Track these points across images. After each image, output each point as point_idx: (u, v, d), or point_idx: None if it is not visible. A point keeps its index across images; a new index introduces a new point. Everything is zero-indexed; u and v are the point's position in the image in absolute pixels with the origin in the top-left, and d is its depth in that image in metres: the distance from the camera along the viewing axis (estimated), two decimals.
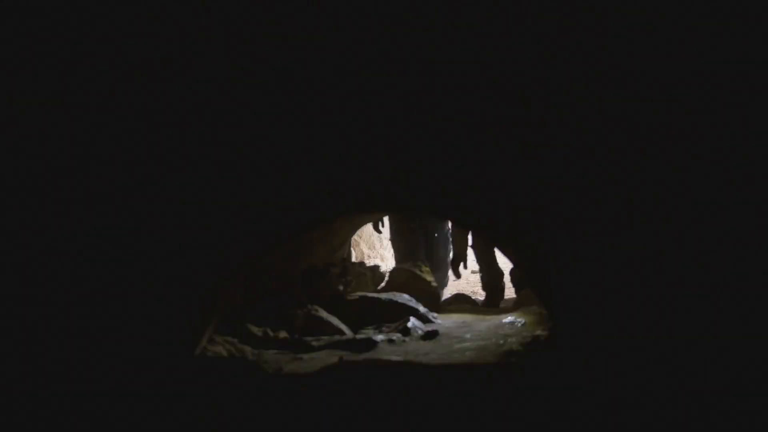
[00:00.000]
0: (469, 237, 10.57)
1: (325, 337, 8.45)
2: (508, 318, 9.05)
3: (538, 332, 7.71)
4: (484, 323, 9.26)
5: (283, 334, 8.24)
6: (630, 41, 3.53)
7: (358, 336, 8.58)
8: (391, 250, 15.42)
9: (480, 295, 11.83)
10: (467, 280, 14.44)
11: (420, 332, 8.87)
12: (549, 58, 3.75)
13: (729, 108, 3.46)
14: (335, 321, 9.22)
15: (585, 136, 3.98)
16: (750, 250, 3.53)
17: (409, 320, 9.35)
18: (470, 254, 11.00)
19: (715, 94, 3.49)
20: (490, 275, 10.64)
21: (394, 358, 7.07)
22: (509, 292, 10.99)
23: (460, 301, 10.84)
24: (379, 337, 8.48)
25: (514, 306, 9.86)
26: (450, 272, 11.60)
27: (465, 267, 11.41)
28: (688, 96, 3.57)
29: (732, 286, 3.61)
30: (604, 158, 4.02)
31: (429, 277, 10.69)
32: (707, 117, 3.53)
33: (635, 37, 3.51)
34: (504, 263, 10.60)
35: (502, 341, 7.64)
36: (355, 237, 14.09)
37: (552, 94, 3.92)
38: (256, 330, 8.15)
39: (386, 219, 12.36)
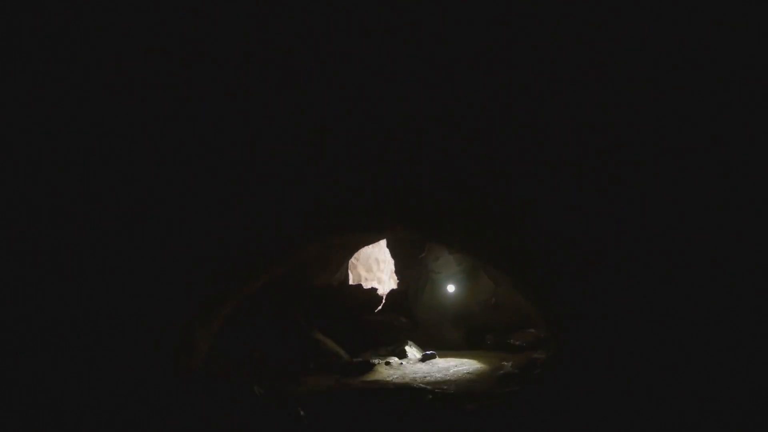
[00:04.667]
0: None
1: (323, 360, 8.44)
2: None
3: (535, 355, 7.72)
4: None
5: (282, 356, 8.23)
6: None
7: (355, 359, 8.57)
8: (389, 272, 15.43)
9: None
10: None
11: (417, 355, 8.86)
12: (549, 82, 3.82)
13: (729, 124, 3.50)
14: (332, 344, 9.21)
15: (591, 166, 4.00)
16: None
17: (406, 343, 9.35)
18: None
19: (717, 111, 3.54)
20: None
21: (392, 379, 7.07)
22: None
23: None
24: (376, 360, 8.48)
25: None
26: None
27: None
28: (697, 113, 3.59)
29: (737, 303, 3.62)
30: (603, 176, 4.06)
31: None
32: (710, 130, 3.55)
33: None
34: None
35: (499, 364, 7.65)
36: (352, 260, 14.09)
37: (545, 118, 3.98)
38: (253, 352, 8.13)
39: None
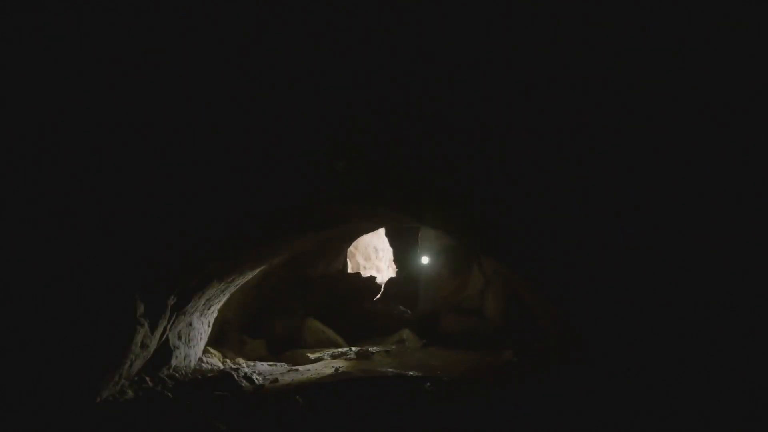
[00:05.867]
0: None
1: (321, 349, 8.47)
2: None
3: (535, 343, 7.74)
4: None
5: (279, 346, 8.25)
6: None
7: (354, 348, 8.60)
8: (387, 261, 15.46)
9: None
10: None
11: (415, 344, 8.89)
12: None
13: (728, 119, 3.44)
14: (331, 333, 9.23)
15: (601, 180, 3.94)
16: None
17: (404, 331, 9.37)
18: None
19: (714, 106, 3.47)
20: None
21: (390, 368, 7.08)
22: None
23: None
24: (375, 349, 8.51)
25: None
26: None
27: None
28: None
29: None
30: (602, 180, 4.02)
31: None
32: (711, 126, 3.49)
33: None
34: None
35: (498, 353, 7.67)
36: (351, 248, 14.09)
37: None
38: (252, 342, 8.14)
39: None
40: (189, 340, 6.63)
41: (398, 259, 12.26)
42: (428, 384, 5.97)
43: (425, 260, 9.54)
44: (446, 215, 5.54)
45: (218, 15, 3.66)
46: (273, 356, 7.89)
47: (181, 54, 3.87)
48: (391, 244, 12.62)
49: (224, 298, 7.11)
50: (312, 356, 7.97)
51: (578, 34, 3.47)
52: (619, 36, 3.40)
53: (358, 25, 3.66)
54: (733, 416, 3.40)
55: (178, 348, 6.36)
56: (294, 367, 7.40)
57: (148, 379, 5.59)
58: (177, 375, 6.12)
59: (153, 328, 5.48)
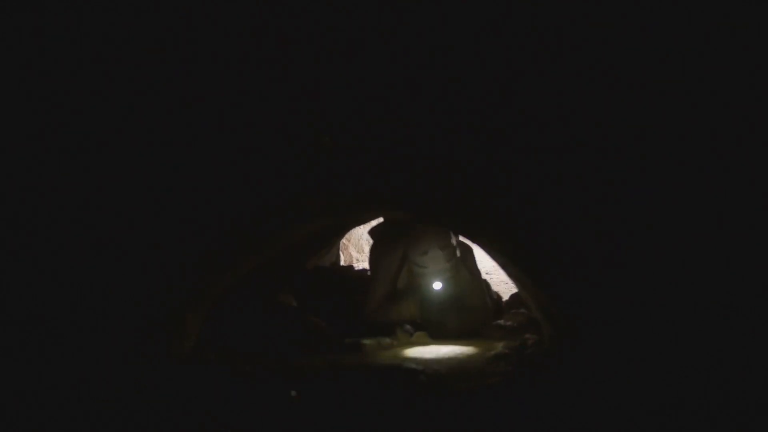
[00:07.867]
0: None
1: (315, 341, 8.43)
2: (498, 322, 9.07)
3: (527, 335, 7.76)
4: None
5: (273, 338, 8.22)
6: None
7: (347, 340, 8.58)
8: None
9: None
10: None
11: (409, 336, 8.88)
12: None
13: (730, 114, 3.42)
14: (323, 325, 9.20)
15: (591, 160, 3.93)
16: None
17: (398, 324, 9.36)
18: None
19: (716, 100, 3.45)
20: None
21: (384, 360, 7.08)
22: None
23: None
24: (368, 341, 8.48)
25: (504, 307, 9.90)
26: None
27: None
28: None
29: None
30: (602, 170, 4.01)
31: None
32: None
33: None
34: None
35: (490, 345, 7.69)
36: (343, 240, 14.06)
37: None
38: (245, 334, 8.10)
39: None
40: (182, 335, 6.60)
41: (376, 260, 11.53)
42: (422, 376, 5.98)
43: (437, 286, 9.20)
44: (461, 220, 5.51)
45: (218, 14, 3.61)
46: (266, 349, 7.84)
47: (181, 53, 3.83)
48: (372, 237, 12.11)
49: (220, 292, 7.08)
50: (305, 348, 7.95)
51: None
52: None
53: (357, 25, 3.63)
54: (733, 415, 3.41)
55: (171, 343, 6.33)
56: (288, 359, 7.38)
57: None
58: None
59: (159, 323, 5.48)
